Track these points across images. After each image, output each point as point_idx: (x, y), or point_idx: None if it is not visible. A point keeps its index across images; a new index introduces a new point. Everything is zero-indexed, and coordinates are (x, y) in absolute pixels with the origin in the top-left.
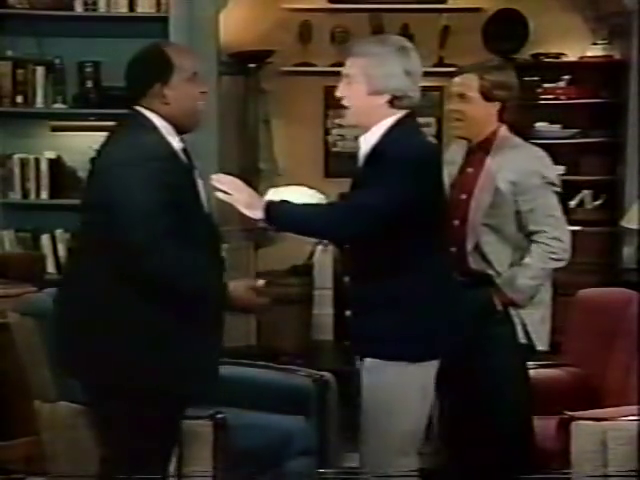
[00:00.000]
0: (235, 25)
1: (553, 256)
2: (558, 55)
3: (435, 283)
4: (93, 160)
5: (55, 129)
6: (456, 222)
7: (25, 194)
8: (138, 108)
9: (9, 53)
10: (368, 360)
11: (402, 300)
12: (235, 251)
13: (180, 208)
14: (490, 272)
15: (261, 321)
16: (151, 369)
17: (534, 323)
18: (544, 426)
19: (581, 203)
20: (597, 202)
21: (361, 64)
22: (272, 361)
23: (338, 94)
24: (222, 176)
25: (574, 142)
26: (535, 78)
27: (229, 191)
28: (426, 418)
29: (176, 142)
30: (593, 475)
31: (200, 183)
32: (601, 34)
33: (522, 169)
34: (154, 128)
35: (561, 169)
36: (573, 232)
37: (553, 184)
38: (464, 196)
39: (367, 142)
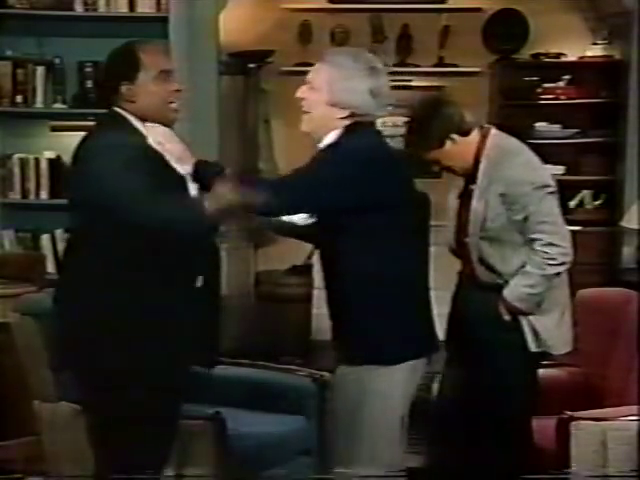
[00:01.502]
0: (235, 25)
1: (551, 262)
2: (558, 55)
3: (396, 291)
4: (72, 159)
5: (55, 129)
6: (462, 236)
7: (25, 194)
8: (113, 107)
9: (9, 53)
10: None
11: (355, 306)
12: (235, 250)
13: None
14: (500, 282)
15: (261, 321)
16: (146, 363)
17: (548, 329)
18: (544, 426)
19: (581, 203)
20: (597, 202)
21: (329, 73)
22: (272, 361)
23: (299, 94)
24: (158, 126)
25: (574, 142)
26: (535, 78)
27: (162, 140)
28: (392, 421)
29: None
30: (593, 475)
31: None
32: (601, 34)
33: (510, 180)
34: (130, 125)
35: (561, 169)
36: (573, 232)
37: (545, 186)
38: (466, 210)
39: (319, 148)
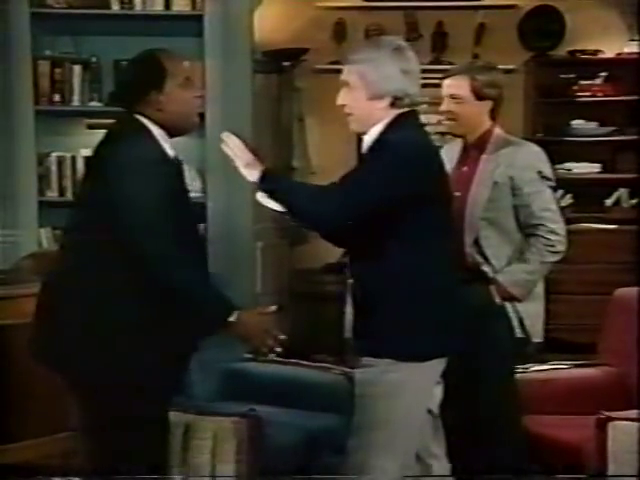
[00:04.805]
0: (269, 23)
1: (551, 249)
2: (595, 52)
3: (425, 284)
4: (89, 160)
5: (91, 127)
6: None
7: (62, 192)
8: (134, 115)
9: (47, 52)
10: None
11: (388, 301)
12: (270, 249)
13: (172, 211)
14: (486, 268)
15: (295, 319)
16: (134, 364)
17: (531, 316)
18: (581, 425)
19: (617, 201)
20: (633, 200)
21: (358, 71)
22: (305, 359)
23: (339, 102)
24: (232, 136)
25: (610, 140)
26: (571, 75)
27: (234, 148)
28: (416, 421)
29: (169, 148)
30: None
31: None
32: (638, 30)
33: (519, 164)
34: (149, 134)
35: (597, 167)
36: (609, 231)
37: (548, 179)
38: (458, 193)
39: (365, 143)
